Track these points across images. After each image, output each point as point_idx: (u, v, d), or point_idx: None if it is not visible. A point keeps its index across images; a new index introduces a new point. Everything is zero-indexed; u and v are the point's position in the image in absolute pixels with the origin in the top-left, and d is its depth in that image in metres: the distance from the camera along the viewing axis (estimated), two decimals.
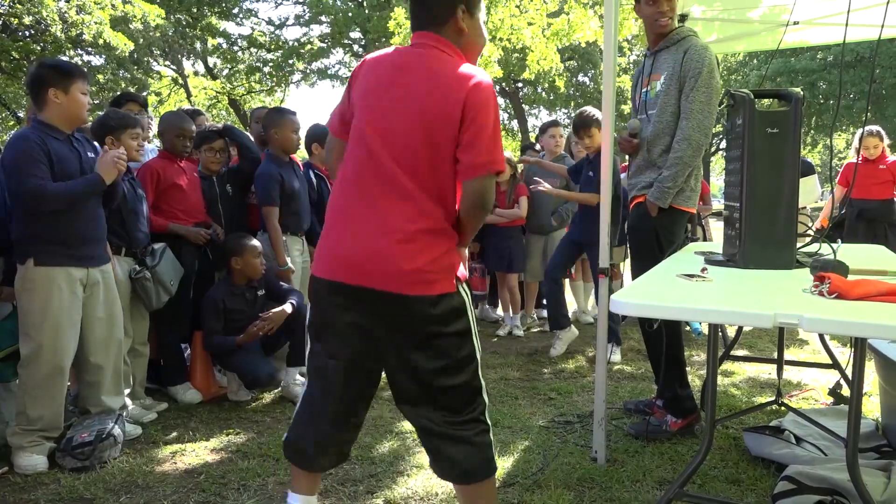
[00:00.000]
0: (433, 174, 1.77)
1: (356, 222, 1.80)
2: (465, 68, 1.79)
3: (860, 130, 5.95)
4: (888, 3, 2.63)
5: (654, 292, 1.85)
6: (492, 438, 1.94)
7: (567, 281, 6.08)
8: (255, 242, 3.79)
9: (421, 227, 1.76)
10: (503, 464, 2.81)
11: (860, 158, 5.92)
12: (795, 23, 4.81)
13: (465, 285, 1.87)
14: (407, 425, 3.30)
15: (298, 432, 2.01)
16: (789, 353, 4.64)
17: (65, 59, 12.49)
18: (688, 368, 4.27)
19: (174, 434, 3.26)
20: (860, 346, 1.79)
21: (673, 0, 3.01)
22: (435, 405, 1.85)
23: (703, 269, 2.10)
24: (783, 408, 3.09)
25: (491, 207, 1.86)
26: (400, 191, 1.77)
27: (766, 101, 2.52)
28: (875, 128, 5.97)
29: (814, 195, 5.36)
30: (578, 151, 5.32)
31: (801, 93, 2.29)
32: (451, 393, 1.84)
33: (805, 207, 5.44)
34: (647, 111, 3.09)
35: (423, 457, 2.90)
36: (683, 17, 5.00)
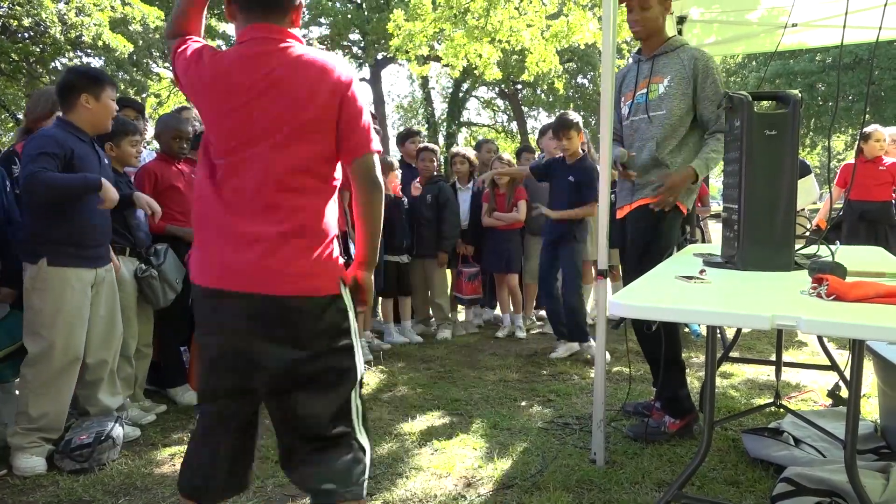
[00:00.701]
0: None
1: None
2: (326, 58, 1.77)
3: (866, 129, 5.93)
4: (886, 4, 2.63)
5: (652, 294, 1.86)
6: None
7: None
8: None
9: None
10: (502, 465, 2.81)
11: (860, 158, 5.91)
12: (794, 25, 4.83)
13: None
14: (406, 427, 3.30)
15: None
16: (788, 355, 4.65)
17: (64, 60, 12.51)
18: (686, 370, 4.29)
19: (173, 436, 3.26)
20: (858, 348, 1.79)
21: (648, 11, 3.03)
22: None
23: (702, 271, 2.10)
24: (782, 409, 3.09)
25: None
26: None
27: (764, 104, 2.53)
28: (878, 126, 5.96)
29: (812, 196, 5.36)
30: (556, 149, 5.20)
31: (800, 95, 2.29)
32: None
33: (803, 209, 5.44)
34: (648, 112, 3.10)
35: (421, 459, 2.91)
36: (682, 20, 5.03)
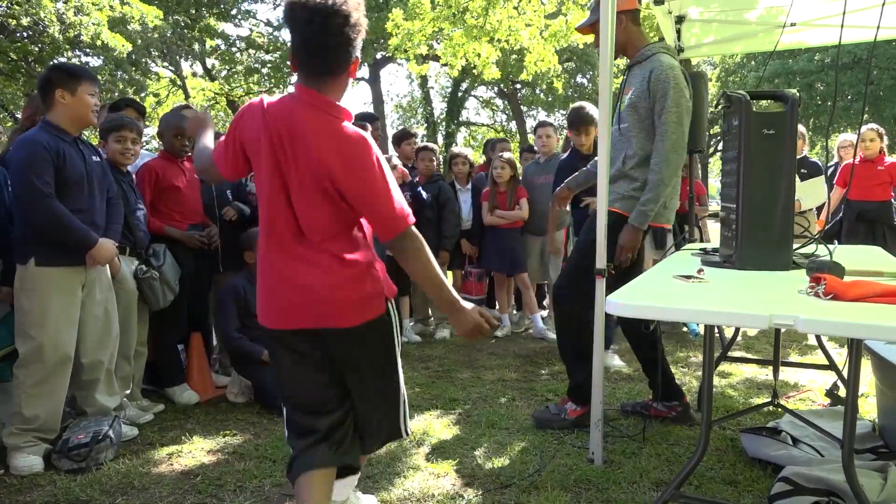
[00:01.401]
0: None
1: None
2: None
3: (860, 129, 5.94)
4: (884, 4, 2.63)
5: (650, 293, 1.85)
6: None
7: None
8: None
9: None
10: (500, 465, 2.81)
11: (858, 158, 5.92)
12: (792, 24, 4.82)
13: None
14: None
15: None
16: (788, 355, 4.65)
17: (63, 59, 12.50)
18: (685, 370, 4.30)
19: (171, 435, 3.25)
20: (856, 348, 1.79)
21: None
22: None
23: (700, 271, 2.10)
24: (780, 409, 3.09)
25: None
26: None
27: (762, 103, 2.53)
28: (873, 125, 5.97)
29: (822, 197, 5.36)
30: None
31: (797, 94, 2.29)
32: None
33: (812, 209, 5.44)
34: (619, 123, 3.13)
35: (419, 458, 2.91)
36: (681, 19, 5.03)
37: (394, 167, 5.14)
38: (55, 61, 13.23)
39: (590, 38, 3.25)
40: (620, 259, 3.03)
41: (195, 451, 3.03)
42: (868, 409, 3.41)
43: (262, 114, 1.81)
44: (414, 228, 1.85)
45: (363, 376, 1.98)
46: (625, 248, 3.05)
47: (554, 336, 5.30)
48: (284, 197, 1.81)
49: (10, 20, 11.91)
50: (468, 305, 1.90)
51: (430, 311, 5.70)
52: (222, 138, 1.95)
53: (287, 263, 1.84)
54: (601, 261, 2.87)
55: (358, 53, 1.85)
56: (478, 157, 13.37)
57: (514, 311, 5.96)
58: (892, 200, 5.86)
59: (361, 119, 5.20)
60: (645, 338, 3.27)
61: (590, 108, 4.67)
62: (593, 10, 3.09)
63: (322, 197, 1.79)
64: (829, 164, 6.40)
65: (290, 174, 1.79)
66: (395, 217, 1.80)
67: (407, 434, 2.20)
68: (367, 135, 1.82)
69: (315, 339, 1.90)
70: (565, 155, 5.18)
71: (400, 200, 1.82)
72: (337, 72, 1.83)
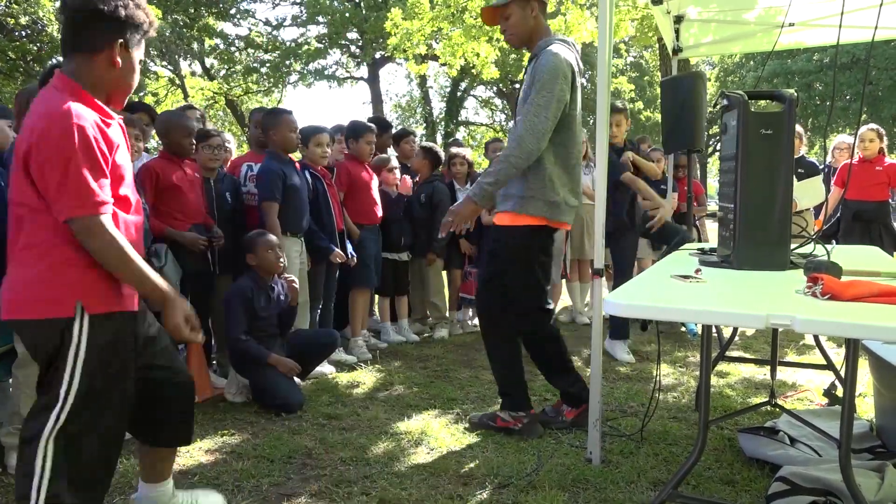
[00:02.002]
0: None
1: None
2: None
3: (860, 129, 5.96)
4: (881, 4, 2.64)
5: (647, 293, 1.85)
6: None
7: (563, 281, 6.10)
8: (270, 237, 3.77)
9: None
10: (498, 465, 2.81)
11: (857, 158, 5.93)
12: (791, 24, 4.84)
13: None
14: (402, 426, 3.30)
15: None
16: (786, 355, 4.65)
17: (60, 58, 12.52)
18: (682, 369, 4.30)
19: None
20: (853, 348, 1.79)
21: (509, 20, 2.93)
22: None
23: (697, 270, 2.10)
24: (777, 409, 3.09)
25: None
26: None
27: (761, 103, 2.53)
28: (873, 125, 5.98)
29: (820, 196, 5.37)
30: None
31: (795, 94, 2.29)
32: None
33: (809, 209, 5.45)
34: (514, 118, 3.04)
35: (417, 458, 2.91)
36: (679, 19, 5.04)
37: (391, 169, 5.14)
38: (54, 60, 13.22)
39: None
40: (442, 225, 2.91)
41: (193, 451, 3.02)
42: (866, 408, 3.42)
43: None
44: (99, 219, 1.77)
45: None
46: (453, 213, 2.91)
47: None
48: None
49: (9, 19, 11.91)
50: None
51: (427, 311, 5.70)
52: None
53: None
54: (599, 260, 2.87)
55: (118, 35, 1.84)
56: (477, 157, 13.37)
57: None
58: (890, 201, 5.87)
59: (381, 127, 5.33)
60: (501, 333, 3.18)
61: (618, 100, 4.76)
62: None
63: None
64: (823, 166, 6.41)
65: None
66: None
67: None
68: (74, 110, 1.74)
69: None
70: None
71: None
72: (81, 49, 1.85)
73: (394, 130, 6.01)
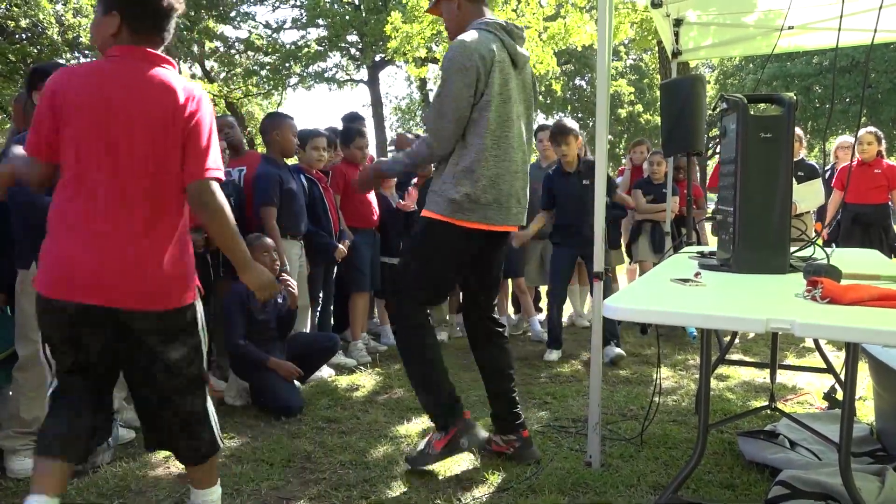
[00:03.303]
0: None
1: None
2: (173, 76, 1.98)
3: (858, 132, 5.98)
4: (881, 7, 2.64)
5: (647, 297, 1.85)
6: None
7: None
8: (266, 240, 3.77)
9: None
10: (497, 468, 2.81)
11: (856, 161, 5.94)
12: (790, 27, 4.84)
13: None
14: (402, 430, 3.30)
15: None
16: (787, 358, 4.65)
17: (61, 61, 12.50)
18: (682, 372, 4.30)
19: None
20: (853, 351, 1.79)
21: (444, 16, 2.80)
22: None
23: (697, 274, 2.10)
24: (777, 412, 3.09)
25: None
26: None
27: (760, 106, 2.53)
28: (872, 128, 5.99)
29: (819, 199, 5.38)
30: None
31: (794, 97, 2.29)
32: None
33: (809, 211, 5.46)
34: None
35: None
36: (679, 22, 5.04)
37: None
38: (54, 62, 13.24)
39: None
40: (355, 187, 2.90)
41: None
42: (866, 412, 3.41)
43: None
44: None
45: None
46: (360, 180, 3.01)
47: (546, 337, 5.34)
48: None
49: (9, 22, 11.93)
50: None
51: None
52: None
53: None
54: (599, 264, 2.87)
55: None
56: None
57: (513, 315, 5.96)
58: (889, 203, 5.87)
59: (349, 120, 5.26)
60: (415, 343, 2.84)
61: (567, 120, 4.78)
62: None
63: None
64: (825, 168, 6.42)
65: None
66: None
67: None
68: None
69: None
70: (548, 167, 5.25)
71: None
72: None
73: (395, 133, 6.01)
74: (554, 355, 4.76)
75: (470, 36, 2.58)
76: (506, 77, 2.65)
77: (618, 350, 4.64)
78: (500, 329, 3.05)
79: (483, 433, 2.88)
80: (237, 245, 2.08)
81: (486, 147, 2.60)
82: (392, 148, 5.77)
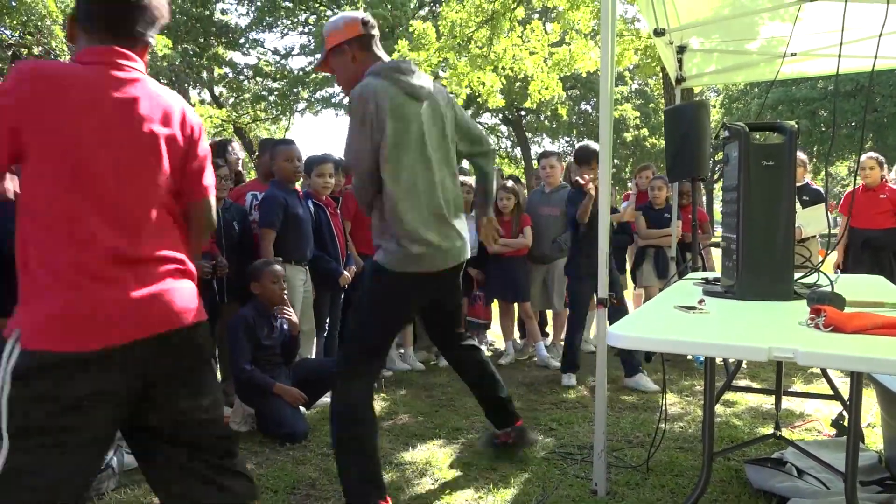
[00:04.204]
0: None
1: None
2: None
3: (861, 157, 6.02)
4: (881, 35, 2.66)
5: (651, 325, 1.86)
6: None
7: (567, 310, 6.08)
8: (276, 267, 3.80)
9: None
10: (502, 496, 2.79)
11: (860, 186, 5.96)
12: (793, 54, 4.88)
13: None
14: (407, 456, 3.28)
15: None
16: (794, 383, 4.62)
17: None
18: (689, 398, 4.27)
19: None
20: (857, 380, 1.78)
21: (336, 70, 2.68)
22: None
23: (701, 301, 2.11)
24: (782, 441, 3.07)
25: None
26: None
27: (764, 134, 2.55)
28: (873, 153, 6.02)
29: (823, 224, 5.38)
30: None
31: (796, 126, 2.31)
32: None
33: (815, 237, 5.46)
34: None
35: (422, 488, 2.89)
36: (682, 49, 5.09)
37: None
38: None
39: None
40: None
41: None
42: (875, 439, 3.38)
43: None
44: None
45: None
46: None
47: (558, 364, 5.30)
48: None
49: (23, 49, 12.11)
50: None
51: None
52: None
53: None
54: (603, 290, 2.88)
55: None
56: None
57: (518, 340, 5.95)
58: None
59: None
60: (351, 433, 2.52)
61: (594, 144, 4.74)
62: (323, 44, 2.73)
63: None
64: (852, 186, 6.45)
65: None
66: None
67: None
68: None
69: None
70: (569, 187, 5.27)
71: None
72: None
73: None
74: (572, 380, 4.75)
75: (362, 87, 2.48)
76: (406, 120, 2.51)
77: (647, 382, 4.57)
78: (473, 342, 3.11)
79: None
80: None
81: (398, 199, 2.49)
82: None
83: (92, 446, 1.53)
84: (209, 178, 1.83)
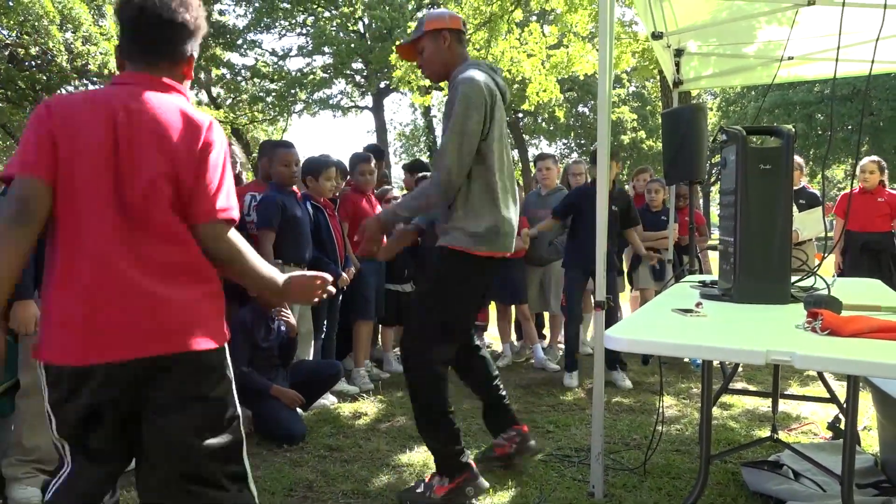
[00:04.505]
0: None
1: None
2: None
3: (861, 161, 6.03)
4: (878, 39, 2.67)
5: (648, 328, 1.86)
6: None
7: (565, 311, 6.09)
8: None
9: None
10: (499, 499, 2.79)
11: (858, 189, 5.98)
12: (790, 58, 4.90)
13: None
14: (404, 458, 3.28)
15: None
16: (791, 386, 4.63)
17: (70, 88, 12.65)
18: (686, 401, 4.28)
19: None
20: (853, 384, 1.79)
21: (423, 54, 2.79)
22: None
23: (698, 304, 2.11)
24: (778, 444, 3.07)
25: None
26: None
27: (761, 137, 2.56)
28: (875, 157, 6.04)
29: (820, 227, 5.39)
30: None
31: (793, 129, 2.32)
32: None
33: (811, 240, 5.47)
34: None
35: None
36: (679, 52, 5.10)
37: (389, 200, 5.19)
38: (62, 90, 13.41)
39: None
40: (361, 248, 2.80)
41: None
42: (871, 442, 3.39)
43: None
44: None
45: None
46: (362, 229, 2.77)
47: (556, 366, 5.31)
48: None
49: (20, 49, 12.09)
50: None
51: None
52: None
53: None
54: (601, 292, 2.88)
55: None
56: None
57: (515, 342, 5.95)
58: (894, 231, 5.89)
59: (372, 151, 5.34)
60: (431, 388, 2.79)
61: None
62: (417, 27, 2.85)
63: None
64: (850, 189, 6.48)
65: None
66: None
67: None
68: None
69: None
70: (547, 194, 5.32)
71: None
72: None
73: (398, 159, 6.07)
74: (573, 380, 4.79)
75: (477, 74, 2.63)
76: (502, 116, 2.76)
77: (625, 381, 4.69)
78: (478, 343, 3.12)
79: (485, 483, 2.83)
80: (264, 281, 1.78)
81: (497, 180, 2.69)
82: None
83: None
84: (222, 201, 1.68)
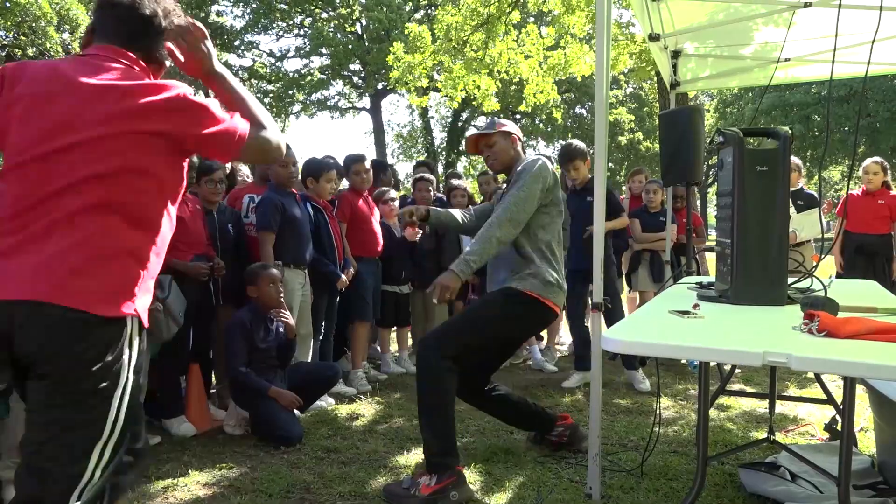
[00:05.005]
0: None
1: None
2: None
3: (864, 162, 6.04)
4: (874, 41, 2.68)
5: (645, 329, 1.86)
6: None
7: (564, 313, 6.09)
8: (273, 271, 3.80)
9: None
10: (497, 499, 2.79)
11: (860, 191, 5.98)
12: (786, 59, 4.91)
13: None
14: (402, 460, 3.28)
15: None
16: (788, 388, 4.63)
17: None
18: (683, 402, 4.28)
19: (167, 468, 3.23)
20: (850, 385, 1.79)
21: (493, 147, 3.19)
22: None
23: (695, 306, 2.11)
24: (775, 445, 3.08)
25: None
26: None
27: (758, 139, 2.56)
28: (878, 158, 6.04)
29: (817, 228, 5.40)
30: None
31: (790, 131, 2.33)
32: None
33: (809, 242, 5.48)
34: None
35: None
36: (677, 54, 5.11)
37: (387, 201, 5.18)
38: None
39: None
40: (436, 297, 2.90)
41: (191, 485, 3.00)
42: (868, 443, 3.39)
43: None
44: None
45: None
46: (439, 286, 2.87)
47: (553, 367, 5.31)
48: None
49: (17, 50, 12.09)
50: None
51: None
52: None
53: None
54: (598, 294, 2.88)
55: None
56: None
57: None
58: (893, 234, 5.89)
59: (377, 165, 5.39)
60: (440, 385, 2.87)
61: (576, 143, 4.95)
62: (488, 125, 3.25)
63: None
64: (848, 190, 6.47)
65: None
66: None
67: None
68: None
69: None
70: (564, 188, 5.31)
71: None
72: None
73: (397, 160, 6.05)
74: (576, 380, 4.80)
75: (543, 162, 3.07)
76: (558, 196, 3.17)
77: (644, 382, 4.70)
78: (494, 385, 3.35)
79: (471, 490, 2.86)
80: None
81: (556, 243, 3.15)
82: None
83: None
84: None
